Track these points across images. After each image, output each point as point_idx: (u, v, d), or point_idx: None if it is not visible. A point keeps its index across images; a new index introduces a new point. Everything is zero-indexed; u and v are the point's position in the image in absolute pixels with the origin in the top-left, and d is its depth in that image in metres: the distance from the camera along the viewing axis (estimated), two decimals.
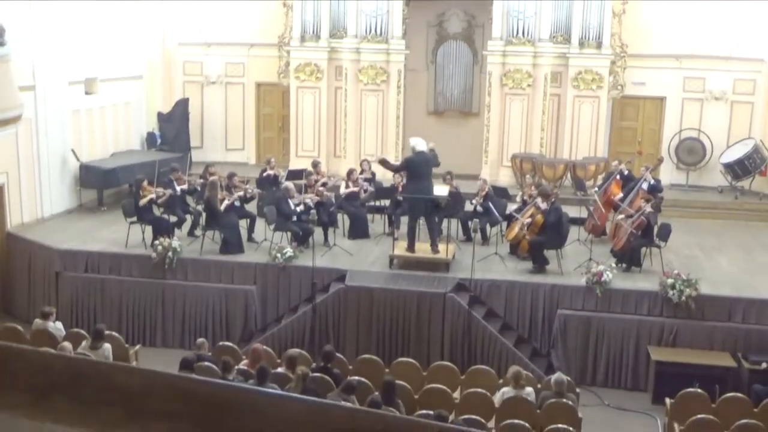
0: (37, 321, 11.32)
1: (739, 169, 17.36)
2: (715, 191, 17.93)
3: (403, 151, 18.63)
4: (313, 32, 18.66)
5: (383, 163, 13.43)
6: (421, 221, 13.24)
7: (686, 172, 18.26)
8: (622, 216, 13.32)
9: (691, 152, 18.23)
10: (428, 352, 12.07)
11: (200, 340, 10.59)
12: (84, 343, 10.20)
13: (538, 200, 12.96)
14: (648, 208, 12.81)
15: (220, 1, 19.55)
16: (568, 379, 9.91)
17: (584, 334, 12.19)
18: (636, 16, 17.92)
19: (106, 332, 11.19)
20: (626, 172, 14.94)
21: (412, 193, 12.72)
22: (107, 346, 10.13)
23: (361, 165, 15.97)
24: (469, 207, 14.57)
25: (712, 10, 17.86)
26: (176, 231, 13.98)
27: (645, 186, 14.25)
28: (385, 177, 16.99)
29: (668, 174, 18.10)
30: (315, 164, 15.86)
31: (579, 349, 12.21)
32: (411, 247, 12.96)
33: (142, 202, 13.64)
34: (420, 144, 12.84)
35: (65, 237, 14.34)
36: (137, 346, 11.91)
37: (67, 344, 9.86)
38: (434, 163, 12.97)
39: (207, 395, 1.35)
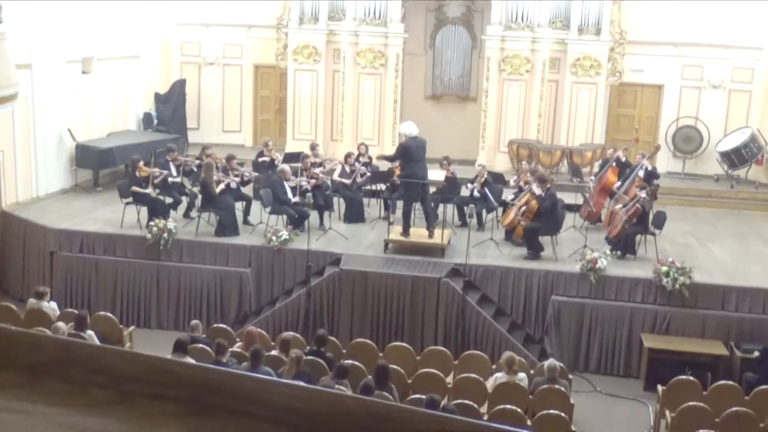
0: (32, 300, 11.33)
1: (736, 157, 17.37)
2: (711, 180, 17.96)
3: (400, 135, 18.62)
4: (312, 14, 18.60)
5: (382, 158, 13.80)
6: (418, 206, 13.26)
7: (683, 160, 18.27)
8: (619, 205, 13.33)
9: (688, 140, 18.23)
10: (422, 336, 12.10)
11: (194, 322, 10.61)
12: (67, 326, 10.06)
13: (534, 186, 12.96)
14: (643, 195, 12.82)
15: None
16: (561, 365, 9.96)
17: (578, 321, 12.22)
18: (635, 2, 17.87)
19: (101, 313, 11.23)
20: (623, 159, 14.93)
21: (408, 178, 12.71)
22: (90, 333, 10.05)
23: (358, 148, 15.94)
24: (465, 192, 14.59)
25: None
26: (172, 212, 13.97)
27: (641, 173, 14.26)
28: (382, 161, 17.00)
29: (665, 162, 18.12)
30: (313, 147, 15.81)
31: (572, 336, 12.25)
32: (406, 232, 12.96)
33: (136, 189, 13.59)
34: (412, 128, 12.79)
35: (60, 217, 14.32)
36: (131, 328, 11.93)
37: (61, 324, 9.87)
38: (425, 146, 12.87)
39: (197, 378, 1.36)
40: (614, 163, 14.75)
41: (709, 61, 18.16)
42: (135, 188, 13.63)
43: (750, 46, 17.83)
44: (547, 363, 9.67)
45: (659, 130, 18.66)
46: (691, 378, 9.94)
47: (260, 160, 15.60)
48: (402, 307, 12.21)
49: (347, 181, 14.70)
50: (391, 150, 17.81)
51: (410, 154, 12.62)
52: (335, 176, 14.86)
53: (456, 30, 19.47)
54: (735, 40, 17.88)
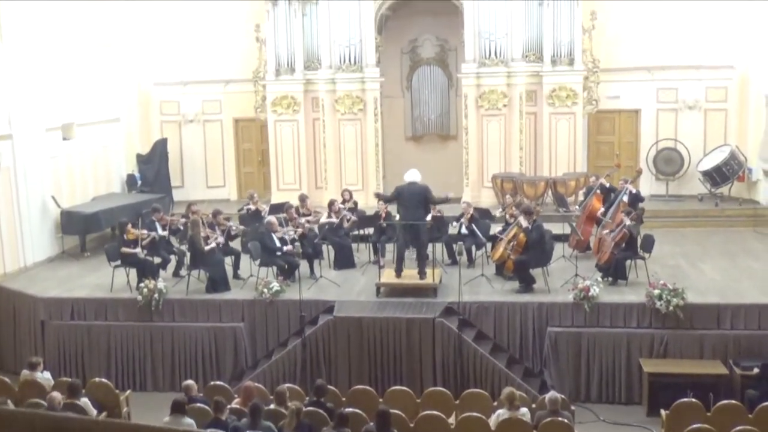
0: (25, 372, 11.19)
1: (718, 175, 17.50)
2: (695, 199, 18.08)
3: (384, 178, 18.71)
4: (288, 65, 18.77)
5: (378, 196, 14.04)
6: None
7: (665, 182, 18.40)
8: (606, 230, 13.37)
9: (669, 162, 18.37)
10: (421, 378, 12.02)
11: (187, 382, 10.38)
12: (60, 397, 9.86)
13: (521, 219, 13.02)
14: (628, 221, 12.87)
15: (193, 40, 19.65)
16: (562, 396, 9.88)
17: (575, 351, 12.18)
18: (605, 30, 18.14)
19: (95, 379, 11.10)
20: (607, 185, 15.00)
21: (401, 221, 12.93)
22: (85, 400, 9.90)
23: (342, 195, 15.98)
24: (453, 230, 14.62)
25: (680, 20, 18.14)
26: (161, 272, 13.92)
27: (626, 198, 14.33)
28: (367, 205, 17.06)
29: (648, 185, 18.25)
30: (302, 198, 15.74)
31: (571, 366, 12.19)
32: (399, 272, 12.97)
33: (125, 250, 13.55)
34: (409, 175, 13.05)
35: (49, 285, 14.23)
36: (127, 392, 11.76)
37: (56, 394, 9.72)
38: (424, 194, 12.95)
39: None
40: (598, 190, 14.84)
41: (682, 82, 18.41)
42: (125, 249, 13.57)
43: (721, 65, 18.10)
44: (548, 396, 9.60)
45: (640, 153, 18.82)
46: (694, 400, 9.89)
47: (245, 208, 15.63)
48: (398, 350, 12.14)
49: (335, 220, 14.67)
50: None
51: (400, 198, 12.91)
52: (322, 220, 14.85)
53: (431, 70, 19.68)
54: (706, 60, 18.17)
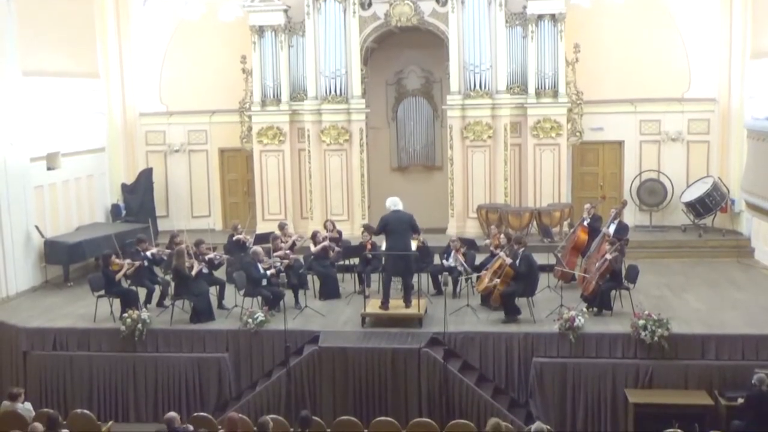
0: (5, 403, 11.06)
1: (701, 207, 17.64)
2: (678, 230, 18.19)
3: (370, 208, 18.73)
4: (274, 96, 18.84)
5: (367, 228, 13.90)
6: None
7: (649, 213, 18.53)
8: (592, 261, 13.42)
9: (653, 193, 18.51)
10: (406, 409, 11.96)
11: (169, 414, 10.23)
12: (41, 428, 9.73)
13: (502, 253, 13.08)
14: (609, 255, 12.91)
15: (179, 70, 19.71)
16: (548, 427, 9.85)
17: (561, 381, 12.17)
18: (589, 63, 18.28)
19: (77, 411, 10.99)
20: (586, 222, 15.00)
21: (387, 251, 12.90)
22: None
23: (324, 226, 15.98)
24: (452, 262, 14.52)
25: (663, 53, 18.35)
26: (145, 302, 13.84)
27: (611, 229, 14.38)
28: (353, 235, 17.06)
29: (632, 216, 18.36)
30: (282, 226, 15.86)
31: (557, 397, 12.18)
32: (385, 304, 12.93)
33: (119, 276, 13.54)
34: (393, 203, 13.05)
35: (32, 315, 14.12)
36: (110, 423, 11.67)
37: (37, 425, 9.63)
38: (411, 222, 13.02)
39: None
40: (585, 222, 14.89)
41: (665, 115, 18.60)
42: (119, 274, 13.50)
43: (703, 98, 18.33)
44: (533, 426, 9.55)
45: (623, 185, 18.94)
46: (679, 430, 9.88)
47: (234, 238, 15.57)
48: (384, 381, 12.09)
49: (326, 244, 14.70)
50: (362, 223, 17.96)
51: (388, 227, 12.84)
52: (312, 249, 14.84)
53: (417, 101, 19.82)
54: (688, 93, 18.41)
